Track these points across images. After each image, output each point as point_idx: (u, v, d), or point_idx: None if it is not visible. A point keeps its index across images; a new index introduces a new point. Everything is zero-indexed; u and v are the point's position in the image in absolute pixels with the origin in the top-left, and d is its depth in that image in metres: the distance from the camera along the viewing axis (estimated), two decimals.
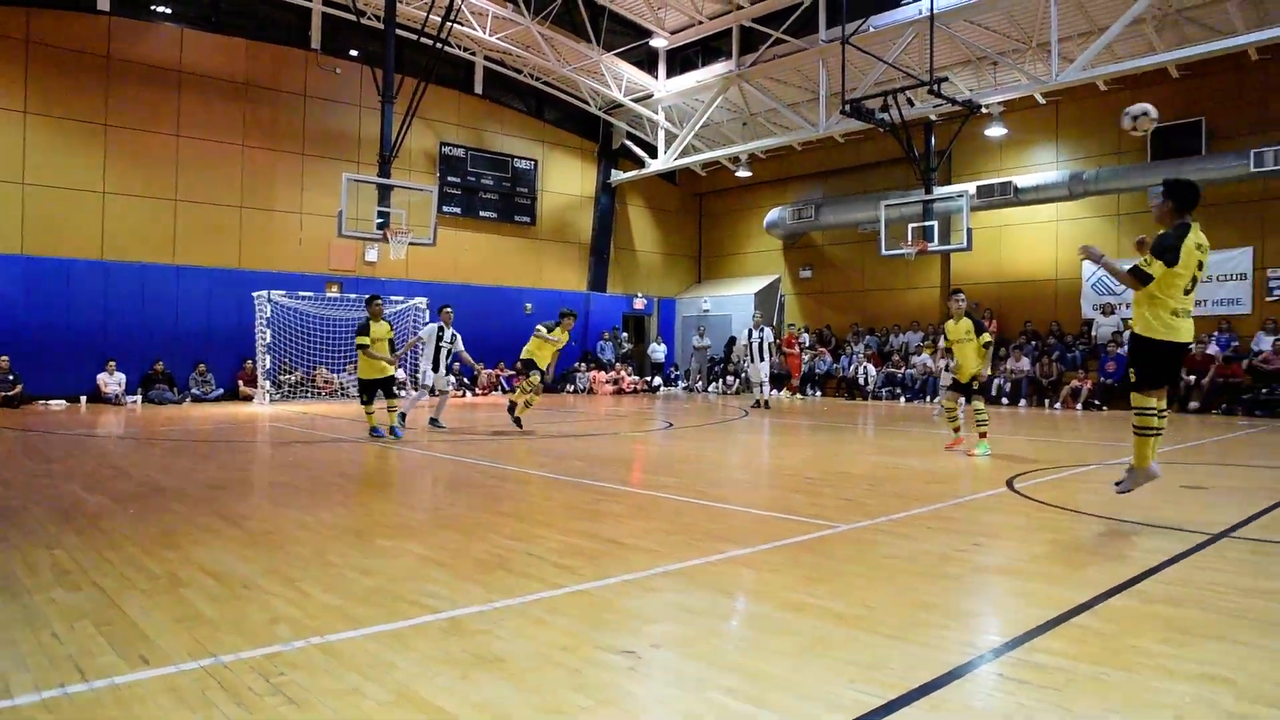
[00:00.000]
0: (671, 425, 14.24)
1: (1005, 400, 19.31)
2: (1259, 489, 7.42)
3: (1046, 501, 6.63)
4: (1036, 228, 21.07)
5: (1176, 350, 5.65)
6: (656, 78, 24.01)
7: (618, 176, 26.34)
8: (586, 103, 25.12)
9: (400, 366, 12.34)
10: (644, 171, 25.64)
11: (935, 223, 19.42)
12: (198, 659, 3.12)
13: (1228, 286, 18.03)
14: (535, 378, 12.34)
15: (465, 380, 21.41)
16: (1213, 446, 10.89)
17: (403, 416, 12.39)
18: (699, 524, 5.76)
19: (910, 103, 19.15)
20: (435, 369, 12.79)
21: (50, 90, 17.91)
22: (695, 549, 4.95)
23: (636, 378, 25.27)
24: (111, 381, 17.89)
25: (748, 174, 25.66)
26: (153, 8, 19.27)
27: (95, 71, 18.40)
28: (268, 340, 18.49)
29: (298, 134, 21.06)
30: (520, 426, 12.23)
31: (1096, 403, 17.77)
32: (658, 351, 26.70)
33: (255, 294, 18.79)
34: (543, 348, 12.38)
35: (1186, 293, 5.64)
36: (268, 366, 18.57)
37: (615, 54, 23.14)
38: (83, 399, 17.67)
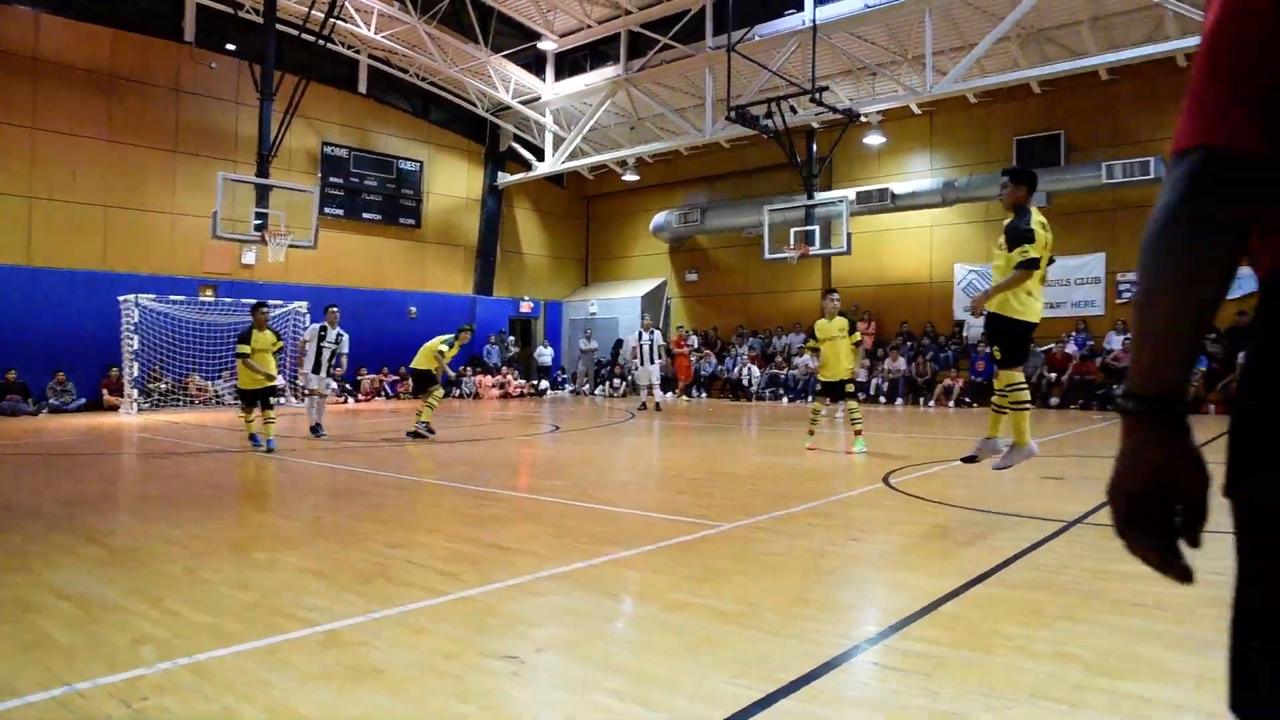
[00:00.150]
0: (558, 429, 14.22)
1: (883, 399, 20.02)
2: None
3: (919, 495, 6.91)
4: (912, 233, 21.92)
5: (1029, 329, 6.01)
6: (545, 80, 23.95)
7: (505, 179, 26.15)
8: (474, 104, 24.86)
9: (281, 373, 11.86)
10: (531, 174, 25.54)
11: (817, 227, 19.99)
12: (48, 689, 2.94)
13: (1083, 290, 19.14)
14: (439, 391, 12.28)
15: (347, 386, 20.86)
16: (1071, 440, 11.54)
17: (316, 428, 12.05)
18: (584, 527, 5.78)
19: (793, 110, 19.67)
20: (316, 371, 12.38)
21: None
22: (580, 552, 4.96)
23: (523, 381, 25.13)
24: None
25: (635, 178, 25.87)
26: None
27: None
28: (135, 346, 17.54)
29: (170, 130, 20.13)
30: (431, 433, 12.12)
31: (968, 400, 18.61)
32: (544, 355, 26.62)
33: (122, 298, 17.80)
34: (434, 359, 12.22)
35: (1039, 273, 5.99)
36: (135, 374, 17.62)
37: (503, 56, 22.97)
38: None
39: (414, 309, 23.88)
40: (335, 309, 12.65)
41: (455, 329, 12.68)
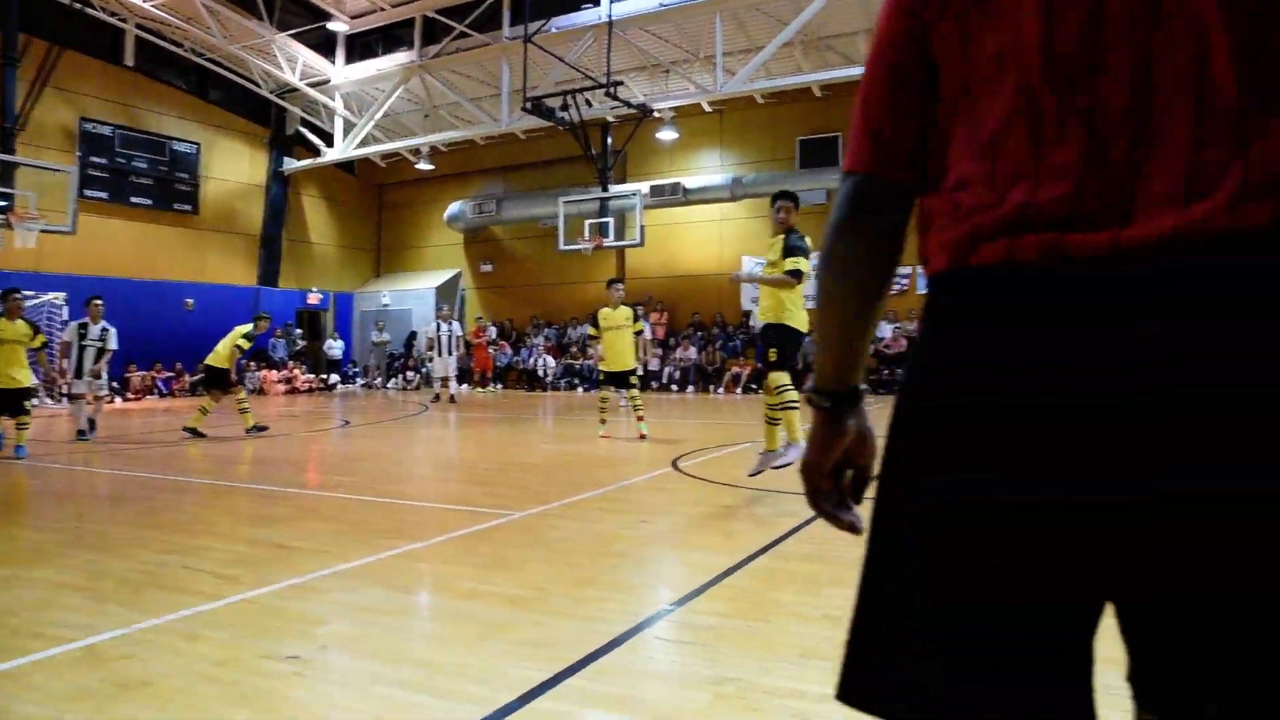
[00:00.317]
0: (348, 424, 13.76)
1: (674, 387, 20.68)
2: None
3: (706, 478, 7.23)
4: (703, 226, 22.71)
5: (802, 336, 6.48)
6: (335, 63, 22.92)
7: (291, 165, 24.87)
8: (257, 85, 23.42)
9: (36, 371, 10.70)
10: (320, 160, 24.41)
11: (611, 219, 20.32)
12: None
13: None
14: (242, 392, 11.72)
15: (114, 385, 19.20)
16: None
17: (91, 424, 11.02)
18: (373, 521, 5.65)
19: (589, 103, 19.86)
20: (79, 375, 11.24)
21: None
22: (368, 546, 4.85)
23: (311, 376, 24.05)
24: None
25: (429, 167, 25.29)
26: None
27: None
28: None
29: None
30: (264, 429, 11.54)
31: (754, 387, 19.54)
32: (334, 348, 25.58)
33: None
34: (234, 354, 11.50)
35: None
36: None
37: (290, 34, 21.76)
38: None
39: (190, 301, 22.28)
40: (99, 301, 11.55)
41: (252, 319, 12.02)
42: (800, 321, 6.40)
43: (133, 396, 19.87)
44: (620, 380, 10.62)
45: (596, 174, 20.57)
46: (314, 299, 26.19)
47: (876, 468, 1.08)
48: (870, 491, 1.11)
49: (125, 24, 21.02)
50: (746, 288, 21.79)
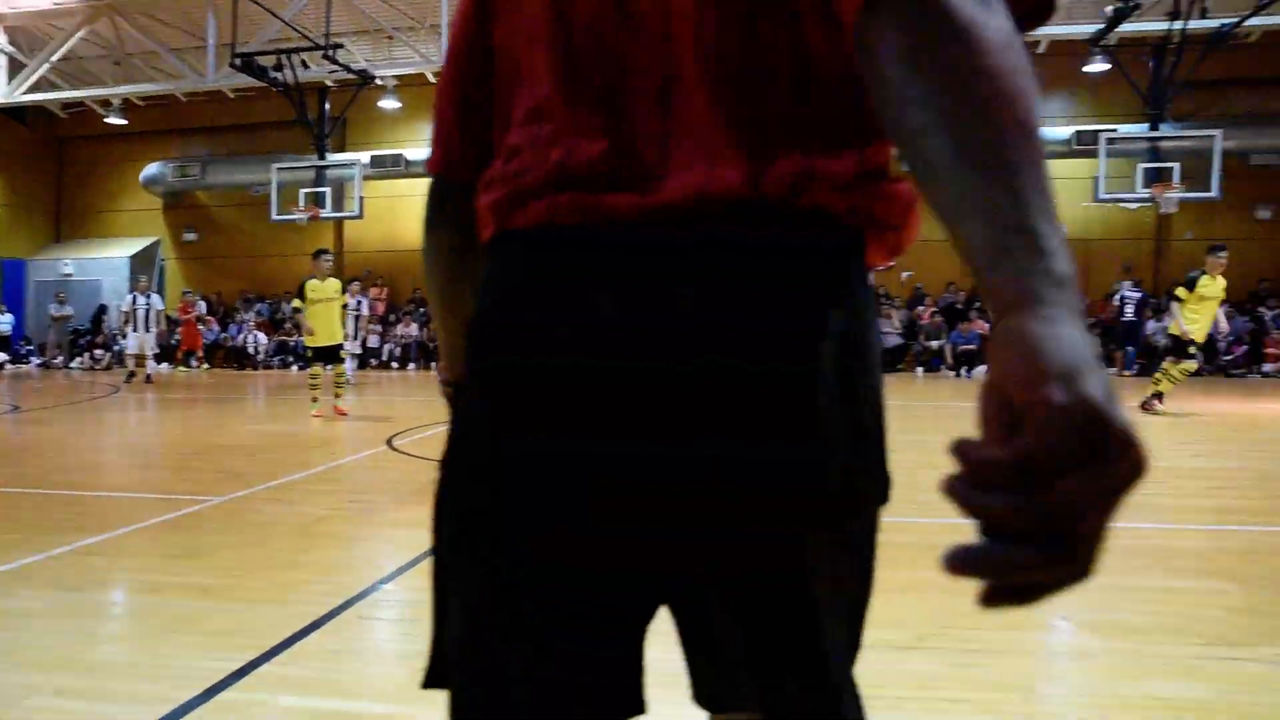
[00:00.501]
0: (18, 409, 12.18)
1: (395, 364, 20.16)
2: None
3: (420, 455, 7.14)
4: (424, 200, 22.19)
5: None
6: None
7: None
8: None
9: None
10: None
11: (329, 189, 19.37)
12: None
13: None
14: None
15: None
16: None
17: None
18: (44, 518, 5.07)
19: (305, 65, 18.74)
20: None
21: None
22: (32, 545, 4.35)
23: None
24: None
25: (122, 121, 22.71)
26: None
27: None
28: None
29: None
30: None
31: None
32: (3, 323, 22.46)
33: None
34: None
35: None
36: None
37: None
38: None
39: None
40: None
41: None
42: None
43: None
44: (330, 355, 10.21)
45: (313, 141, 19.48)
46: None
47: None
48: None
49: None
50: None
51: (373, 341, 19.80)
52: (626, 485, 0.77)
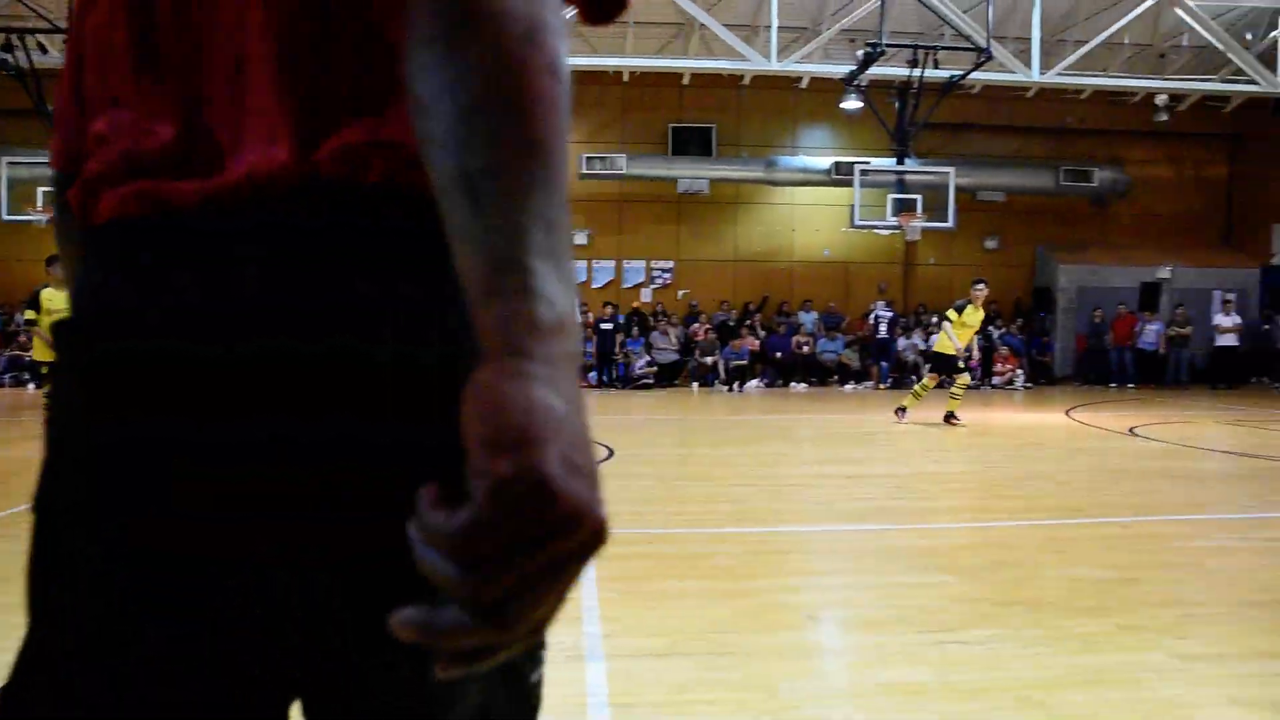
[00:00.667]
0: None
1: None
2: None
3: None
4: None
5: None
6: None
7: None
8: None
9: None
10: None
11: None
12: None
13: None
14: None
15: None
16: None
17: None
18: None
19: (43, 49, 17.02)
20: None
21: None
22: None
23: None
24: None
25: None
26: None
27: None
28: None
29: None
30: None
31: None
32: None
33: None
34: None
35: None
36: None
37: None
38: None
39: None
40: None
41: None
42: None
43: None
44: None
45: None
46: None
47: None
48: None
49: None
50: None
51: None
52: (202, 468, 0.72)
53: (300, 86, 0.74)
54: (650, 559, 4.33)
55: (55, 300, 9.16)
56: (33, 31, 16.06)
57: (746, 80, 18.96)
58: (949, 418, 10.89)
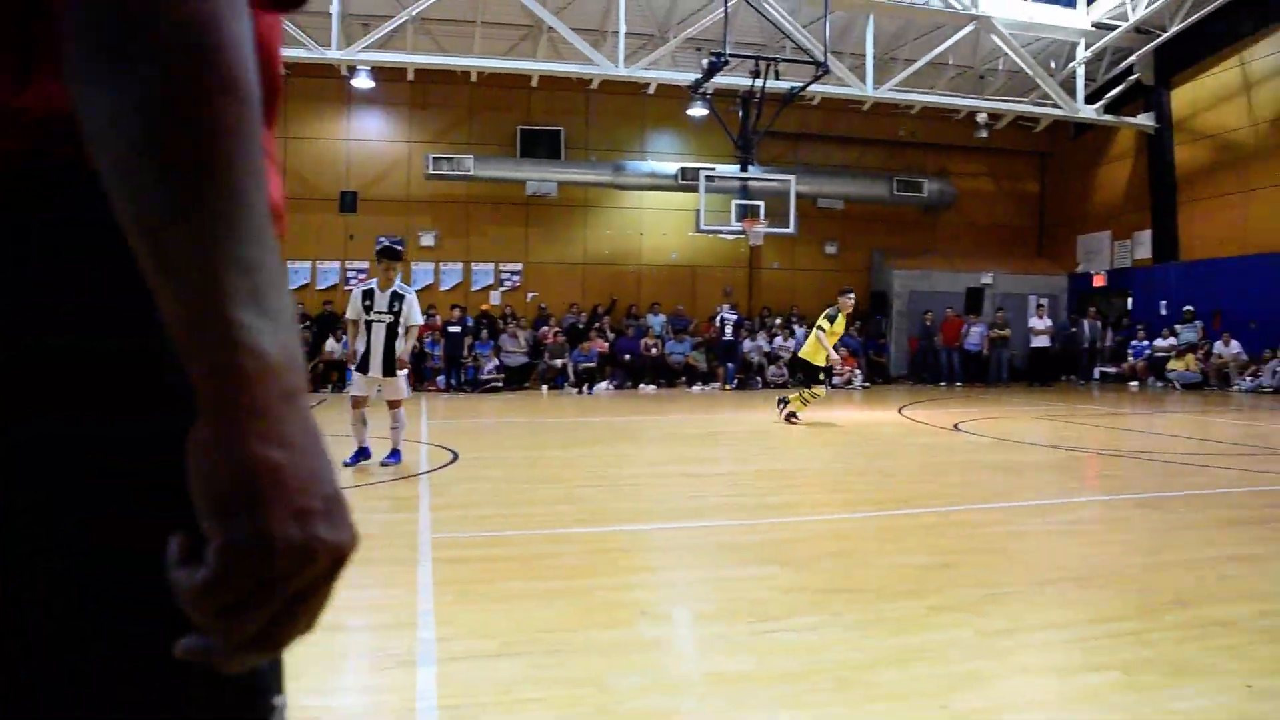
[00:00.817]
0: None
1: None
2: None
3: None
4: None
5: None
6: None
7: None
8: None
9: None
10: None
11: None
12: None
13: None
14: None
15: None
16: None
17: None
18: None
19: None
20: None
21: None
22: None
23: None
24: None
25: None
26: None
27: None
28: None
29: None
30: None
31: None
32: None
33: None
34: None
35: None
36: None
37: None
38: None
39: None
40: None
41: None
42: None
43: None
44: None
45: None
46: None
47: None
48: None
49: None
50: None
51: None
52: None
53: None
54: (488, 562, 4.30)
55: None
56: None
57: (595, 84, 19.08)
58: (790, 417, 11.27)
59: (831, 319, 11.19)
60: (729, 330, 18.51)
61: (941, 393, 17.56)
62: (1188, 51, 19.06)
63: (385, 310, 7.20)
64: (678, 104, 19.48)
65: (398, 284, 7.30)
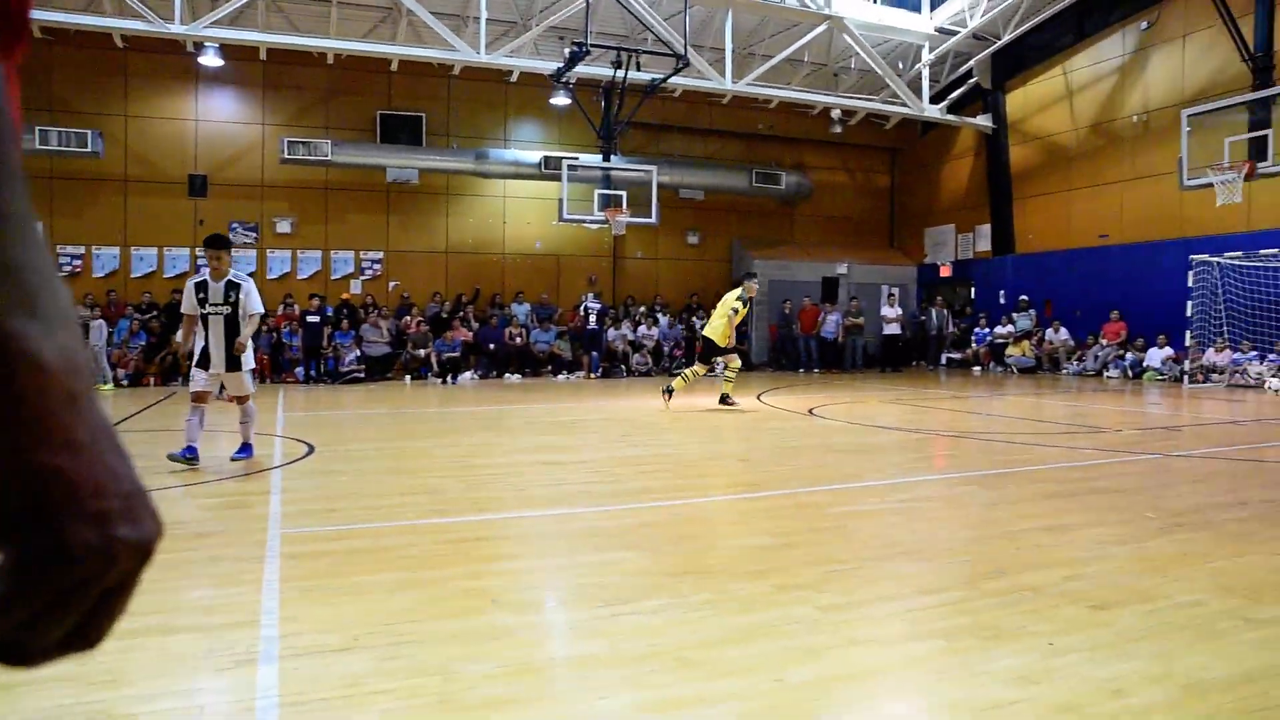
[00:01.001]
0: None
1: None
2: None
3: None
4: None
5: None
6: None
7: None
8: None
9: None
10: None
11: None
12: None
13: None
14: None
15: None
16: None
17: None
18: None
19: None
20: None
21: None
22: None
23: None
24: None
25: None
26: None
27: None
28: None
29: None
30: None
31: None
32: None
33: None
34: None
35: None
36: None
37: None
38: None
39: None
40: None
41: None
42: None
43: None
44: None
45: None
46: None
47: None
48: None
49: None
50: None
51: None
52: None
53: None
54: (339, 555, 4.23)
55: None
56: None
57: (457, 71, 18.80)
58: (724, 399, 11.65)
59: (744, 301, 11.71)
60: (593, 319, 18.62)
61: (800, 379, 18.18)
62: (1019, 59, 20.39)
63: (221, 302, 6.88)
64: (541, 93, 19.41)
65: (232, 273, 6.97)
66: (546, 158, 19.32)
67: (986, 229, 21.88)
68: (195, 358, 6.99)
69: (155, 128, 18.10)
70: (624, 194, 18.09)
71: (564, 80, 17.02)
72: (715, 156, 22.12)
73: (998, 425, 10.09)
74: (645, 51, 16.93)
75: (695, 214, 22.05)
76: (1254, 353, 15.66)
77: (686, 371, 12.02)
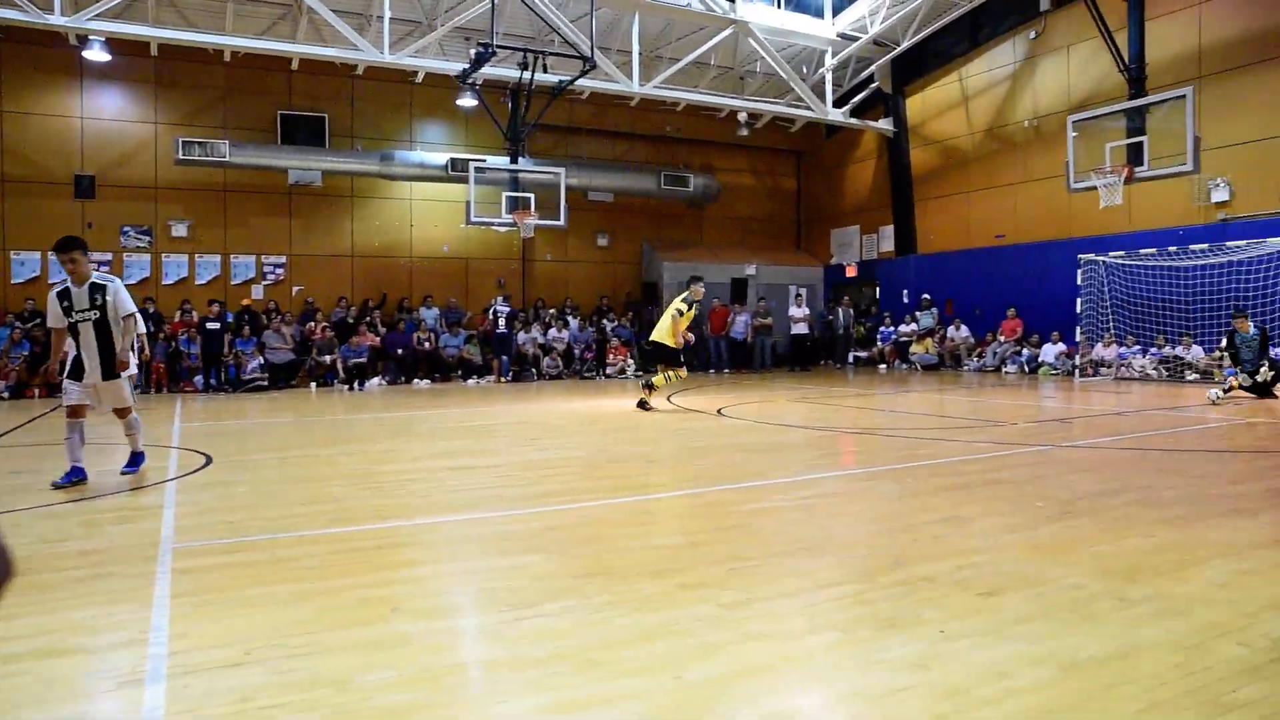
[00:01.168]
0: None
1: None
2: None
3: None
4: None
5: None
6: None
7: None
8: None
9: None
10: None
11: None
12: None
13: None
14: None
15: None
16: None
17: None
18: None
19: None
20: None
21: None
22: None
23: None
24: None
25: None
26: None
27: None
28: None
29: None
30: None
31: None
32: None
33: None
34: None
35: None
36: None
37: None
38: None
39: None
40: None
41: None
42: None
43: None
44: None
45: None
46: None
47: None
48: None
49: None
50: None
51: None
52: None
53: None
54: (233, 568, 4.10)
55: None
56: None
57: (360, 70, 18.44)
58: (641, 405, 11.70)
59: (690, 304, 11.79)
60: (503, 323, 18.47)
61: (711, 380, 18.36)
62: (918, 65, 21.04)
63: (88, 306, 6.34)
64: (447, 94, 19.19)
65: (96, 275, 6.44)
66: (453, 160, 19.10)
67: (890, 230, 22.48)
68: (66, 368, 6.45)
69: (36, 124, 17.26)
70: (532, 196, 18.00)
71: (470, 81, 16.85)
72: (624, 159, 22.19)
73: (902, 421, 10.37)
74: (552, 53, 16.88)
75: (604, 216, 22.09)
76: (1137, 347, 16.49)
77: (671, 374, 12.12)
